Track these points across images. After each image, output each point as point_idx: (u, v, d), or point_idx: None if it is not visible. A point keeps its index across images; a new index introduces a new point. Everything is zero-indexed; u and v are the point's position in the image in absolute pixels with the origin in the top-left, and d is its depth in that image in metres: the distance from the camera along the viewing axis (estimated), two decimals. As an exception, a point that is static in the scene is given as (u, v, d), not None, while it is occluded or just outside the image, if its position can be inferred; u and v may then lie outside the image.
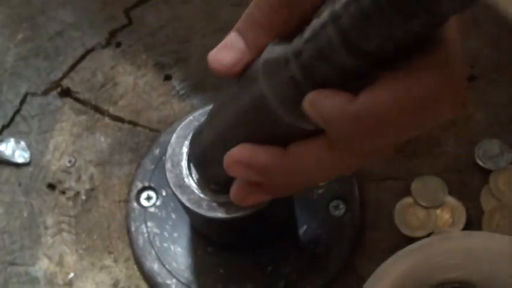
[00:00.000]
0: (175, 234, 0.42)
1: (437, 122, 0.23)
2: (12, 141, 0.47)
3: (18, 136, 0.48)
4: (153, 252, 0.42)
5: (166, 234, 0.42)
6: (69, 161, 0.47)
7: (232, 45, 0.27)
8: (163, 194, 0.44)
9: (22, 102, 0.49)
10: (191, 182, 0.34)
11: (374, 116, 0.22)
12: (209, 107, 0.32)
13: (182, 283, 0.41)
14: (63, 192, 0.45)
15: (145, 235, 0.42)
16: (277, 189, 0.29)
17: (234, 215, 0.33)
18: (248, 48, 0.27)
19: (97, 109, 0.49)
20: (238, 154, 0.28)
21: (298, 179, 0.28)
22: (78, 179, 0.46)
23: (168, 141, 0.36)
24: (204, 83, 0.49)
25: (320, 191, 0.43)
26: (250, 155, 0.28)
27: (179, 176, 0.34)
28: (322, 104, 0.23)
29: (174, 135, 0.35)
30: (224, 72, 0.27)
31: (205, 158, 0.33)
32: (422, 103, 0.22)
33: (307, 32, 0.23)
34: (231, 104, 0.29)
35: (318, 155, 0.26)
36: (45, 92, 0.49)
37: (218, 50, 0.28)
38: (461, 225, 0.42)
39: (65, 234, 0.44)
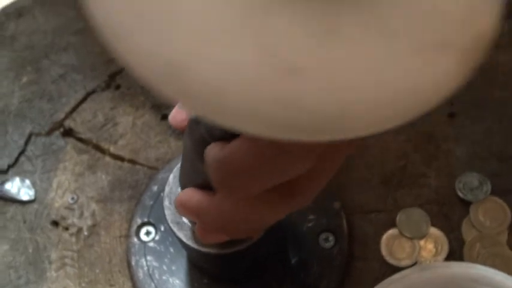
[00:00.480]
0: (173, 267, 0.44)
1: (295, 170, 0.25)
2: (17, 180, 0.50)
3: (23, 175, 0.50)
4: (153, 285, 0.44)
5: (165, 267, 0.44)
6: (72, 198, 0.49)
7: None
8: (162, 229, 0.46)
9: (27, 142, 0.52)
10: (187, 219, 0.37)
11: (233, 160, 0.25)
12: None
13: (180, 314, 0.43)
14: (67, 229, 0.48)
15: (145, 268, 0.45)
16: (223, 230, 0.31)
17: (227, 251, 0.35)
18: None
19: (98, 148, 0.51)
20: (180, 196, 0.32)
21: (226, 223, 0.30)
22: (81, 215, 0.48)
23: (166, 179, 0.38)
24: (199, 122, 0.51)
25: (310, 224, 0.45)
26: (186, 198, 0.31)
27: (176, 213, 0.37)
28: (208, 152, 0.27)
29: (171, 175, 0.38)
30: (179, 127, 0.33)
31: None
32: (272, 153, 0.24)
33: None
34: (184, 149, 0.33)
35: (222, 203, 0.29)
36: (49, 133, 0.52)
37: (174, 111, 0.33)
38: (444, 255, 0.44)
39: (68, 268, 0.46)
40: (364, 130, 0.18)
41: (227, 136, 0.26)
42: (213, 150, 0.27)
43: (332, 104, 0.17)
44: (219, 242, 0.33)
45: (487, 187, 0.46)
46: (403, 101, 0.17)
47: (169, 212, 0.37)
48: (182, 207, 0.31)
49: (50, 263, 0.46)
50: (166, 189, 0.38)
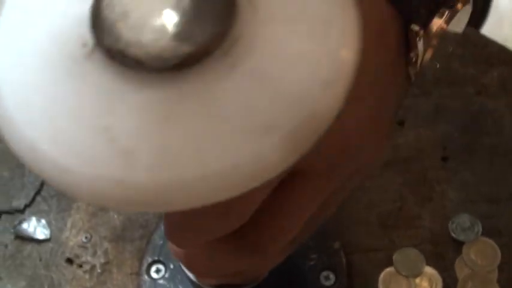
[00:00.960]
0: (182, 304, 0.47)
1: (220, 227, 0.29)
2: (33, 219, 0.53)
3: (39, 215, 0.53)
4: (163, 321, 0.46)
5: (174, 303, 0.47)
6: (86, 237, 0.52)
7: None
8: (171, 267, 0.48)
9: (42, 183, 0.55)
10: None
11: (170, 217, 0.29)
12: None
13: None
14: (80, 266, 0.50)
15: (155, 305, 0.47)
16: (210, 274, 0.35)
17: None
18: None
19: (110, 189, 0.54)
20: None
21: (206, 268, 0.34)
22: (94, 253, 0.51)
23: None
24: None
25: (312, 263, 0.48)
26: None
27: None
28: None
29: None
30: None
31: None
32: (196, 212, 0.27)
33: None
34: None
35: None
36: (64, 174, 0.55)
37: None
38: (439, 293, 0.47)
39: (81, 304, 0.49)
40: (191, 203, 0.20)
41: None
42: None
43: (158, 182, 0.19)
44: (218, 283, 0.36)
45: (478, 228, 0.48)
46: (225, 178, 0.19)
47: (180, 251, 0.40)
48: (171, 251, 0.35)
49: (65, 299, 0.49)
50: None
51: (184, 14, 0.20)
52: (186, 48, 0.19)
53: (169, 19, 0.20)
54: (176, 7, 0.20)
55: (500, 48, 0.59)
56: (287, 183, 0.29)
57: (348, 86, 0.20)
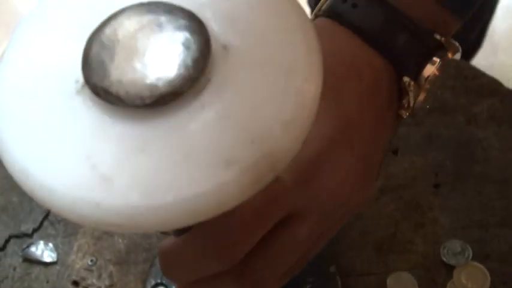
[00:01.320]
0: (184, 325, 0.49)
1: (214, 267, 0.31)
2: (41, 243, 0.55)
3: (47, 239, 0.55)
4: None
5: (176, 325, 0.49)
6: (91, 261, 0.54)
7: None
8: (174, 289, 0.50)
9: (50, 208, 0.57)
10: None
11: (167, 253, 0.32)
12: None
13: None
14: (86, 288, 0.52)
15: (158, 326, 0.49)
16: None
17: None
18: None
19: (115, 214, 0.56)
20: None
21: None
22: (99, 276, 0.53)
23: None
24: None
25: (308, 286, 0.50)
26: None
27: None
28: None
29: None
30: None
31: None
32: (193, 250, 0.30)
33: None
34: None
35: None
36: (71, 200, 0.57)
37: None
38: (431, 315, 0.49)
39: (87, 326, 0.50)
40: (159, 226, 0.22)
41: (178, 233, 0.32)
42: (164, 243, 0.32)
43: (132, 206, 0.22)
44: None
45: (469, 253, 0.51)
46: (190, 205, 0.21)
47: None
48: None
49: (71, 320, 0.51)
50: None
51: (162, 58, 0.23)
52: (161, 89, 0.22)
53: (148, 63, 0.23)
54: (155, 52, 0.23)
55: (490, 80, 0.61)
56: (282, 225, 0.31)
57: (307, 130, 0.23)
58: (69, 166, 0.22)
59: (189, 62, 0.23)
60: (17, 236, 0.56)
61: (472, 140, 0.57)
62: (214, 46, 0.24)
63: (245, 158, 0.22)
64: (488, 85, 0.61)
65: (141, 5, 0.24)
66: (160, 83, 0.22)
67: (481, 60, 0.98)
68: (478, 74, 0.62)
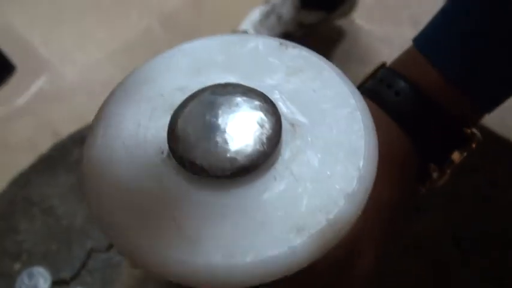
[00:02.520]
0: None
1: None
2: (79, 290, 0.57)
3: (84, 286, 0.57)
4: None
5: None
6: (127, 309, 0.56)
7: None
8: None
9: (88, 257, 0.59)
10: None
11: None
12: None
13: None
14: (122, 336, 0.54)
15: None
16: None
17: None
18: None
19: (150, 264, 0.59)
20: None
21: None
22: (135, 324, 0.55)
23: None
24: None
25: None
26: None
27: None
28: None
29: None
30: None
31: None
32: None
33: None
34: None
35: None
36: (108, 249, 0.60)
37: None
38: None
39: None
40: (237, 284, 0.24)
41: None
42: None
43: (213, 265, 0.24)
44: None
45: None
46: (263, 266, 0.24)
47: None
48: None
49: None
50: None
51: (240, 135, 0.26)
52: (240, 162, 0.26)
53: (228, 138, 0.26)
54: (234, 129, 0.26)
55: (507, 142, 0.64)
56: None
57: (365, 201, 0.26)
58: (158, 226, 0.25)
59: (264, 138, 0.26)
60: (55, 283, 0.58)
61: (493, 200, 0.60)
62: (284, 124, 0.27)
63: (313, 226, 0.25)
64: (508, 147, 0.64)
65: (220, 85, 0.28)
66: (239, 157, 0.25)
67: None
68: (497, 138, 0.65)
